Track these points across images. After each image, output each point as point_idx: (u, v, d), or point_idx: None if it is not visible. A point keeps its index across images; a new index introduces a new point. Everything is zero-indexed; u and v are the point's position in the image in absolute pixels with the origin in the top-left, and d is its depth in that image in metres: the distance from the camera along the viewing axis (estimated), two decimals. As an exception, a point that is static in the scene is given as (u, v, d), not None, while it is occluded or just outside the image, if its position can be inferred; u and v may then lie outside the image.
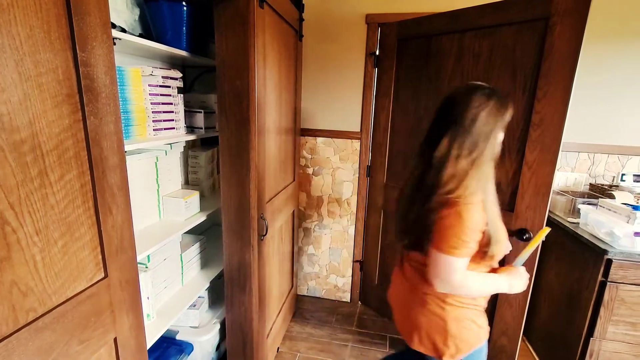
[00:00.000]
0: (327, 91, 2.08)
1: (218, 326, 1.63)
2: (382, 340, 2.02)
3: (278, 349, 1.90)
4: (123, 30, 1.09)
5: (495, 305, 1.60)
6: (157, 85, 1.17)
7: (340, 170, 2.18)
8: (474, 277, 0.92)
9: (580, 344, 1.49)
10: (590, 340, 1.47)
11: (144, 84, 1.11)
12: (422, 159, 0.96)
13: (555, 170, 1.34)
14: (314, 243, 2.35)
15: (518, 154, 1.44)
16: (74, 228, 0.70)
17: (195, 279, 1.54)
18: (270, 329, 1.73)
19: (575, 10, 1.21)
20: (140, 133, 1.12)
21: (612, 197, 1.62)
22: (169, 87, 1.22)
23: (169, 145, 1.39)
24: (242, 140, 1.26)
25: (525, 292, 1.49)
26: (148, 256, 1.21)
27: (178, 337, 1.54)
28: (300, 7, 1.78)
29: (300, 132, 2.08)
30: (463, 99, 0.90)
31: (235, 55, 1.19)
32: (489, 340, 1.64)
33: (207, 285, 1.53)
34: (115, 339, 0.83)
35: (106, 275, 0.79)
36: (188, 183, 1.69)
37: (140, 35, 1.24)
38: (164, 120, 1.21)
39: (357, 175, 2.16)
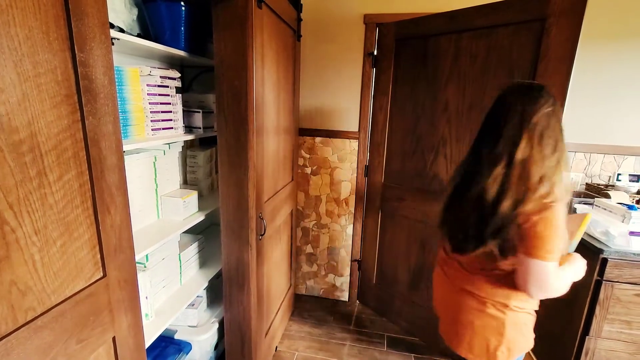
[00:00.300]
0: (326, 91, 2.09)
1: (216, 325, 1.63)
2: (380, 339, 2.03)
3: (276, 347, 1.91)
4: (121, 30, 1.09)
5: None
6: (155, 85, 1.17)
7: (338, 170, 2.19)
8: (562, 275, 0.88)
9: (576, 343, 1.50)
10: (586, 339, 1.48)
11: (142, 83, 1.12)
12: (481, 160, 0.91)
13: None
14: (313, 242, 2.36)
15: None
16: (72, 228, 0.70)
17: (193, 279, 1.54)
18: (269, 328, 1.74)
19: (571, 11, 1.22)
20: (139, 133, 1.12)
21: (607, 196, 1.64)
22: (167, 87, 1.23)
23: (167, 145, 1.40)
24: (241, 140, 1.27)
25: None
26: (146, 256, 1.21)
27: (177, 337, 1.55)
28: (298, 7, 1.78)
29: (298, 131, 2.09)
30: (533, 98, 0.86)
31: (234, 55, 1.20)
32: None
33: (206, 284, 1.53)
34: (113, 338, 0.83)
35: (105, 275, 0.79)
36: (186, 183, 1.69)
37: (139, 35, 1.24)
38: (163, 120, 1.21)
39: (355, 175, 2.17)
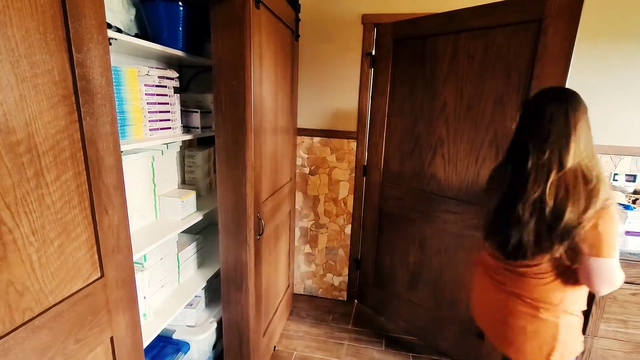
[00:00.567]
0: (324, 91, 2.09)
1: (215, 325, 1.63)
2: (378, 338, 2.03)
3: (275, 347, 1.91)
4: (119, 31, 1.09)
5: None
6: (153, 85, 1.17)
7: (336, 169, 2.19)
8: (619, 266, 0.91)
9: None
10: (583, 338, 1.49)
11: (140, 84, 1.12)
12: (529, 168, 0.91)
13: None
14: (311, 242, 2.36)
15: None
16: (70, 228, 0.70)
17: (191, 278, 1.54)
18: (267, 328, 1.74)
19: (568, 12, 1.23)
20: (137, 133, 1.12)
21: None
22: (165, 87, 1.23)
23: (166, 145, 1.40)
24: (239, 140, 1.27)
25: None
26: (144, 256, 1.21)
27: (175, 336, 1.55)
28: (296, 7, 1.78)
29: (296, 131, 2.09)
30: (574, 104, 0.90)
31: (232, 56, 1.20)
32: (483, 338, 1.66)
33: (204, 284, 1.53)
34: (111, 338, 0.84)
35: (102, 275, 0.79)
36: (185, 182, 1.69)
37: (137, 35, 1.24)
38: (160, 120, 1.22)
39: (354, 174, 2.17)
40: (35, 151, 0.61)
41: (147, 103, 1.15)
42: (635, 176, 1.82)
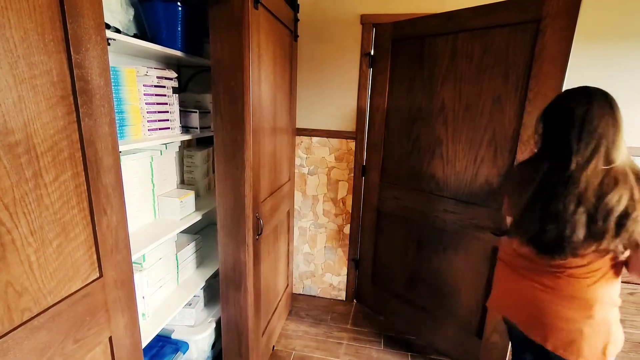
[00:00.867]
0: (323, 91, 2.09)
1: (214, 325, 1.64)
2: (376, 338, 2.04)
3: (273, 347, 1.92)
4: (117, 31, 1.09)
5: (484, 308, 1.63)
6: (151, 86, 1.17)
7: (335, 169, 2.20)
8: None
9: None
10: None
11: (139, 84, 1.12)
12: (571, 164, 0.91)
13: None
14: (310, 242, 2.36)
15: (510, 154, 1.46)
16: (68, 228, 0.70)
17: (190, 278, 1.54)
18: (266, 327, 1.74)
19: (566, 12, 1.23)
20: (135, 133, 1.13)
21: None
22: (163, 87, 1.23)
23: (164, 145, 1.40)
24: (237, 140, 1.27)
25: None
26: (143, 256, 1.21)
27: (174, 336, 1.55)
28: (295, 7, 1.79)
29: (295, 131, 2.09)
30: (614, 101, 0.91)
31: (230, 56, 1.20)
32: (482, 338, 1.67)
33: (203, 284, 1.53)
34: (110, 338, 0.84)
35: (101, 275, 0.79)
36: (183, 182, 1.69)
37: (135, 36, 1.24)
38: (159, 120, 1.22)
39: (352, 174, 2.18)
40: (34, 152, 0.62)
41: (146, 103, 1.15)
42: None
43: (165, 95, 1.24)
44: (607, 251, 0.91)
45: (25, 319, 0.63)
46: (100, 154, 0.75)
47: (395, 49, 1.86)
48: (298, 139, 2.17)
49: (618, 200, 0.86)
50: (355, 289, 2.38)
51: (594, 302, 0.96)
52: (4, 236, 0.58)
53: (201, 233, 1.87)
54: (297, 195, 2.28)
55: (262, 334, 1.69)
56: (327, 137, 2.15)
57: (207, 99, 1.50)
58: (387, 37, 1.87)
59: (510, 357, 1.39)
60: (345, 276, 2.37)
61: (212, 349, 1.68)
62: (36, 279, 0.64)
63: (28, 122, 0.60)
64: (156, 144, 1.17)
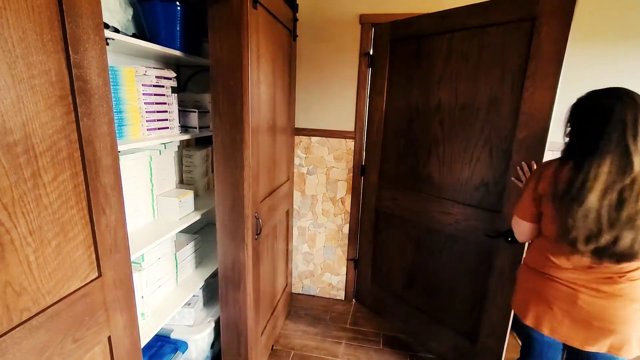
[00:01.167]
0: (322, 91, 2.10)
1: (213, 324, 1.64)
2: (375, 337, 2.04)
3: (273, 346, 1.92)
4: (116, 31, 1.09)
5: (483, 306, 1.62)
6: (150, 85, 1.17)
7: (334, 169, 2.20)
8: None
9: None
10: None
11: (138, 83, 1.12)
12: (627, 167, 0.90)
13: None
14: (309, 241, 2.36)
15: (505, 154, 1.45)
16: (67, 228, 0.70)
17: (189, 278, 1.54)
18: (265, 327, 1.74)
19: (561, 11, 1.21)
20: (134, 133, 1.13)
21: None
22: (162, 86, 1.23)
23: (163, 145, 1.40)
24: (236, 140, 1.27)
25: (512, 294, 1.47)
26: (142, 255, 1.21)
27: (173, 336, 1.55)
28: (294, 7, 1.79)
29: (294, 131, 2.09)
30: None
31: (229, 56, 1.20)
32: (476, 341, 1.65)
33: (202, 283, 1.54)
34: (109, 338, 0.84)
35: (100, 275, 0.79)
36: (182, 182, 1.69)
37: (134, 35, 1.24)
38: (158, 120, 1.22)
39: (352, 174, 2.18)
40: (33, 152, 0.62)
41: (145, 103, 1.15)
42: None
43: (164, 95, 1.24)
44: None
45: (24, 319, 0.63)
46: (99, 154, 0.75)
47: (393, 49, 1.86)
48: (297, 138, 2.17)
49: None
50: (354, 288, 2.38)
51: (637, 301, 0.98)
52: (3, 236, 0.58)
53: (200, 233, 1.87)
54: (296, 195, 2.28)
55: (261, 334, 1.69)
56: (326, 137, 2.15)
57: (206, 98, 1.50)
58: (385, 37, 1.87)
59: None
60: (345, 276, 2.38)
61: (211, 348, 1.68)
62: (35, 279, 0.64)
63: (27, 122, 0.60)
64: (155, 143, 1.17)
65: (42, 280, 0.66)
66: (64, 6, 0.64)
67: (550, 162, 1.07)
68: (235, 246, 1.39)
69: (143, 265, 1.22)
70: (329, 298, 2.43)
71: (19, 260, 0.61)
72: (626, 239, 0.90)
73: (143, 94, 1.14)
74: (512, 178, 1.41)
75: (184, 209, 1.39)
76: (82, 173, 0.72)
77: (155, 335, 1.35)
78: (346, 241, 2.31)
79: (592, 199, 0.92)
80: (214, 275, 1.63)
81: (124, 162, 1.14)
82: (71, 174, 0.70)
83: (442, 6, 1.71)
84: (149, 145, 1.16)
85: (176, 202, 1.34)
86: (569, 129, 1.05)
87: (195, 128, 1.44)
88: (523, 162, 1.35)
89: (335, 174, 2.21)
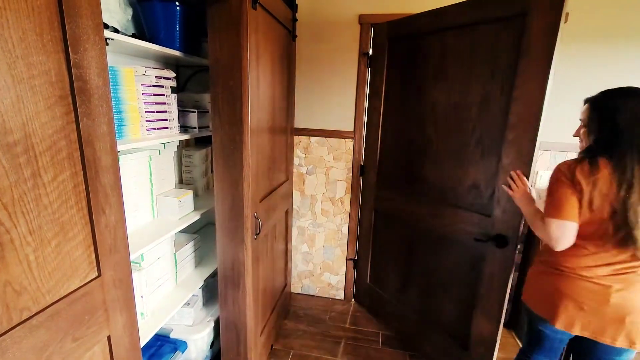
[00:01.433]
0: (321, 91, 2.10)
1: (212, 324, 1.64)
2: (375, 337, 2.05)
3: (272, 346, 1.92)
4: (116, 31, 1.09)
5: (473, 313, 1.57)
6: (150, 85, 1.17)
7: (333, 169, 2.20)
8: None
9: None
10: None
11: (137, 83, 1.12)
12: None
13: (532, 173, 1.27)
14: (308, 241, 2.37)
15: (496, 156, 1.41)
16: (67, 228, 0.71)
17: (189, 278, 1.55)
18: (264, 327, 1.75)
19: (551, 6, 1.17)
20: (134, 133, 1.13)
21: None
22: (162, 86, 1.23)
23: (163, 145, 1.40)
24: (236, 140, 1.28)
25: (501, 302, 1.44)
26: (142, 255, 1.22)
27: (172, 335, 1.55)
28: (293, 7, 1.79)
29: (294, 131, 2.10)
30: None
31: (228, 56, 1.20)
32: (467, 348, 1.61)
33: (202, 283, 1.54)
34: (109, 337, 0.84)
35: (100, 274, 0.80)
36: (182, 182, 1.69)
37: (133, 35, 1.24)
38: (158, 120, 1.22)
39: (351, 174, 2.18)
40: (32, 152, 0.62)
41: (144, 103, 1.15)
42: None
43: (163, 95, 1.24)
44: None
45: (24, 318, 0.63)
46: (99, 154, 0.76)
47: (391, 49, 1.85)
48: (296, 138, 2.18)
49: None
50: (354, 288, 2.38)
51: None
52: (3, 235, 0.58)
53: (200, 232, 1.88)
54: (296, 195, 2.28)
55: (261, 333, 1.69)
56: (325, 137, 2.16)
57: (206, 98, 1.50)
58: (383, 37, 1.87)
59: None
60: (344, 275, 2.38)
61: (210, 348, 1.69)
62: (35, 278, 0.65)
63: (26, 122, 0.60)
64: (154, 143, 1.17)
65: (42, 280, 0.66)
66: (63, 7, 0.64)
67: (575, 160, 1.06)
68: (235, 246, 1.39)
69: (142, 265, 1.22)
70: (329, 298, 2.44)
71: (18, 260, 0.61)
72: None
73: (142, 94, 1.14)
74: (503, 185, 1.35)
75: (183, 209, 1.39)
76: (81, 173, 0.73)
77: (155, 334, 1.36)
78: (345, 241, 2.31)
79: (637, 195, 0.97)
80: (214, 275, 1.64)
81: (124, 162, 1.14)
82: (71, 173, 0.70)
83: (441, 5, 1.72)
84: (149, 145, 1.17)
85: (176, 202, 1.34)
86: (594, 128, 1.07)
87: (195, 128, 1.44)
88: (512, 172, 1.30)
89: (335, 174, 2.21)
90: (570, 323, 1.11)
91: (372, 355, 1.90)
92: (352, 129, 2.11)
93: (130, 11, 1.25)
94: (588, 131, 1.09)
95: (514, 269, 1.41)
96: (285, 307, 2.18)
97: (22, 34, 0.58)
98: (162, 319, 1.25)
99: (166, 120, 1.26)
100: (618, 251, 1.03)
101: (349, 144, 2.14)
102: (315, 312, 2.27)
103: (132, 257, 0.96)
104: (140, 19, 1.30)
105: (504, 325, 2.11)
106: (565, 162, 1.08)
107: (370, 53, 1.96)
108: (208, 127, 1.51)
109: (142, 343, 1.10)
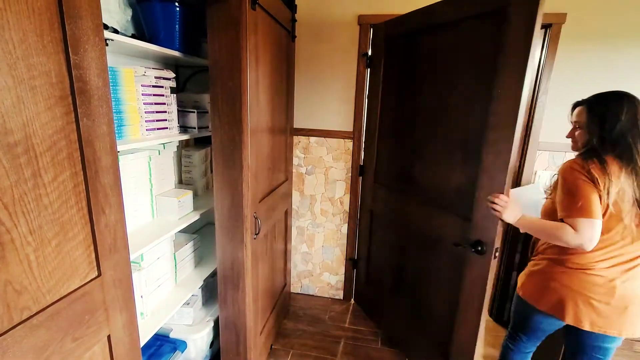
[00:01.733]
0: (320, 91, 2.10)
1: (212, 324, 1.64)
2: (374, 337, 2.05)
3: (271, 346, 1.92)
4: (115, 31, 1.09)
5: (454, 321, 1.50)
6: (150, 86, 1.18)
7: (333, 169, 2.21)
8: None
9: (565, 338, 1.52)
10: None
11: (137, 84, 1.12)
12: None
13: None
14: (308, 241, 2.37)
15: (477, 158, 1.33)
16: (67, 228, 0.71)
17: (189, 277, 1.55)
18: (264, 327, 1.75)
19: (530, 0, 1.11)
20: (133, 133, 1.13)
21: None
22: (161, 87, 1.23)
23: (162, 145, 1.40)
24: (235, 140, 1.28)
25: (479, 311, 1.36)
26: (141, 255, 1.22)
27: (172, 335, 1.56)
28: (292, 8, 1.79)
29: (293, 131, 2.10)
30: None
31: (228, 57, 1.21)
32: (448, 358, 1.58)
33: (201, 283, 1.54)
34: (109, 337, 0.84)
35: (100, 274, 0.80)
36: (182, 182, 1.70)
37: (133, 36, 1.24)
38: (157, 120, 1.22)
39: (350, 174, 2.19)
40: (33, 152, 0.62)
41: (144, 103, 1.15)
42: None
43: (163, 95, 1.24)
44: None
45: (24, 318, 0.63)
46: (99, 154, 0.76)
47: (387, 49, 1.85)
48: (296, 138, 2.18)
49: None
50: (353, 288, 2.39)
51: None
52: (4, 235, 0.59)
53: (199, 232, 1.88)
54: (295, 195, 2.29)
55: (260, 333, 1.69)
56: (325, 137, 2.16)
57: (205, 99, 1.51)
58: (381, 37, 1.87)
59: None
60: (343, 275, 2.38)
61: (210, 347, 1.69)
62: (35, 278, 0.65)
63: (27, 123, 0.60)
64: (154, 143, 1.18)
65: (42, 280, 0.66)
66: (63, 8, 0.64)
67: (583, 160, 1.09)
68: (234, 246, 1.40)
69: (142, 265, 1.23)
70: (328, 297, 2.44)
71: (19, 260, 0.62)
72: None
73: (142, 95, 1.14)
74: (489, 206, 1.25)
75: (183, 209, 1.39)
76: (81, 173, 0.73)
77: (155, 334, 1.36)
78: (345, 241, 2.31)
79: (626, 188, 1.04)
80: (213, 274, 1.64)
81: (123, 162, 1.15)
82: (71, 174, 0.70)
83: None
84: (148, 145, 1.17)
85: (175, 202, 1.35)
86: (595, 129, 1.11)
87: (194, 128, 1.44)
88: (488, 197, 1.25)
89: (334, 174, 2.21)
90: (578, 318, 1.14)
91: (371, 355, 1.90)
92: (351, 129, 2.12)
93: (129, 12, 1.25)
94: (587, 132, 1.13)
95: (494, 276, 1.37)
96: (284, 307, 2.18)
97: (23, 35, 0.58)
98: (162, 319, 1.26)
99: (166, 120, 1.27)
100: (629, 244, 1.09)
101: (349, 144, 2.14)
102: (315, 312, 2.27)
103: (132, 257, 0.96)
104: (139, 19, 1.31)
105: (503, 325, 2.12)
106: (575, 162, 1.10)
107: (370, 54, 1.97)
108: (207, 127, 1.52)
109: (142, 343, 1.11)
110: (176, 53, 1.29)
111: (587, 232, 1.04)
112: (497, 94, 1.23)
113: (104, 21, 1.04)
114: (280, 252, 2.00)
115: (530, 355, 1.41)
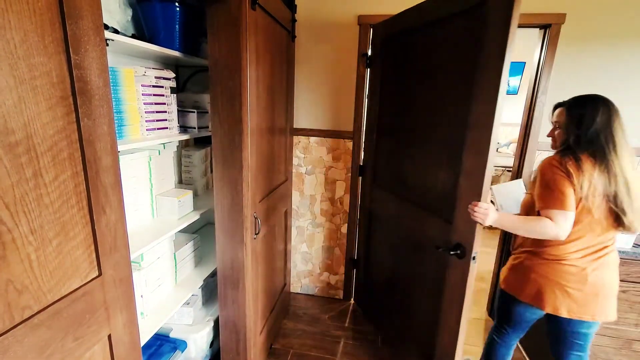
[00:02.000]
0: (320, 91, 2.10)
1: (212, 324, 1.65)
2: (374, 336, 2.05)
3: (271, 345, 1.93)
4: (116, 31, 1.10)
5: (437, 325, 1.48)
6: (150, 86, 1.18)
7: (333, 169, 2.21)
8: None
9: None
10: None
11: (137, 84, 1.12)
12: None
13: (486, 177, 1.16)
14: (308, 241, 2.37)
15: (459, 159, 1.31)
16: (68, 227, 0.71)
17: (189, 277, 1.55)
18: (264, 326, 1.75)
19: None
20: (134, 133, 1.13)
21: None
22: (162, 87, 1.23)
23: (162, 145, 1.40)
24: (235, 140, 1.28)
25: (459, 316, 1.34)
26: (142, 255, 1.22)
27: (172, 335, 1.56)
28: (292, 8, 1.80)
29: (293, 131, 2.10)
30: None
31: (228, 57, 1.21)
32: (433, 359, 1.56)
33: (201, 283, 1.54)
34: (109, 336, 0.85)
35: (100, 274, 0.80)
36: (182, 182, 1.70)
37: (133, 36, 1.24)
38: (157, 120, 1.22)
39: (350, 174, 2.19)
40: (34, 152, 0.62)
41: (144, 103, 1.15)
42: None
43: (163, 95, 1.24)
44: None
45: (25, 317, 0.64)
46: (99, 154, 0.76)
47: (386, 49, 1.84)
48: (296, 138, 2.18)
49: None
50: (353, 288, 2.39)
51: None
52: (5, 235, 0.59)
53: (199, 232, 1.88)
54: (295, 195, 2.29)
55: (260, 333, 1.70)
56: (324, 137, 2.16)
57: (205, 99, 1.51)
58: (379, 37, 1.87)
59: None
60: (343, 275, 2.39)
61: (210, 347, 1.69)
62: (36, 277, 0.65)
63: (28, 123, 0.61)
64: (154, 143, 1.18)
65: (43, 279, 0.67)
66: (64, 8, 0.65)
67: (560, 156, 1.16)
68: (234, 246, 1.40)
69: (142, 265, 1.23)
70: (328, 297, 2.44)
71: (20, 259, 0.62)
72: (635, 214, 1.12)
73: (142, 95, 1.14)
74: (470, 213, 1.21)
75: (183, 209, 1.39)
76: (82, 173, 0.73)
77: (155, 334, 1.36)
78: (344, 241, 2.32)
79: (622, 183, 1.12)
80: (213, 274, 1.64)
81: (124, 162, 1.15)
82: (72, 173, 0.71)
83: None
84: (148, 145, 1.17)
85: (175, 201, 1.35)
86: (572, 129, 1.18)
87: (194, 128, 1.45)
88: (468, 206, 1.23)
89: (334, 174, 2.22)
90: (556, 307, 1.22)
91: (371, 354, 1.90)
92: (351, 129, 2.12)
93: (130, 12, 1.25)
94: (566, 132, 1.20)
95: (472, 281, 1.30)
96: (284, 306, 2.18)
97: (24, 35, 0.58)
98: (162, 319, 1.26)
99: (166, 120, 1.27)
100: (598, 235, 1.17)
101: (348, 144, 2.15)
102: (315, 312, 2.27)
103: (132, 256, 0.96)
104: (140, 19, 1.31)
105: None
106: (553, 158, 1.17)
107: (369, 54, 1.97)
108: (207, 127, 1.52)
109: (142, 342, 1.11)
110: (176, 53, 1.29)
111: (562, 223, 1.13)
112: (475, 93, 1.22)
113: (105, 21, 1.04)
114: (280, 252, 2.01)
115: (514, 347, 1.48)
